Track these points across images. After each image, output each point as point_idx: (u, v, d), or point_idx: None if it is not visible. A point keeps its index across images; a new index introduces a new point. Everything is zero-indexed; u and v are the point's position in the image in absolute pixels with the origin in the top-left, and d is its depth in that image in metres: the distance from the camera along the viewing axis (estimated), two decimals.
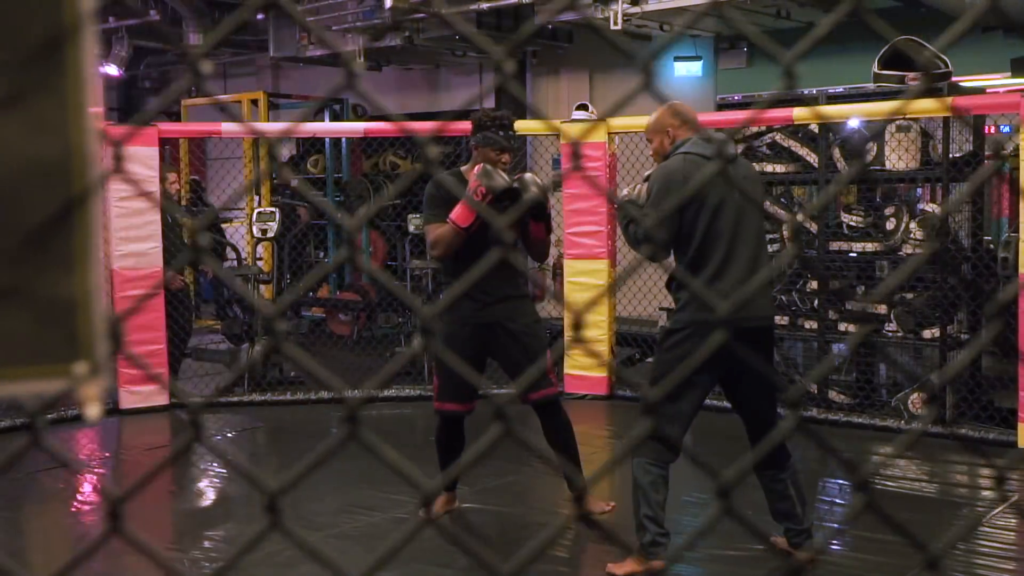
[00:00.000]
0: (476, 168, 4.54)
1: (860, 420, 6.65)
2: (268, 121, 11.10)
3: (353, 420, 1.00)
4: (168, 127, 7.40)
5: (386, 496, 5.31)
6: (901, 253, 6.66)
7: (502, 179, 4.45)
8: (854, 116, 6.67)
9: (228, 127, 7.34)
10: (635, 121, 7.71)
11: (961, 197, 6.43)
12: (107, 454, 6.75)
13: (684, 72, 11.18)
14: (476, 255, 4.36)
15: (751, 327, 3.87)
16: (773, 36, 10.28)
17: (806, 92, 7.51)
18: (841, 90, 7.31)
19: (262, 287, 8.89)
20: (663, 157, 4.11)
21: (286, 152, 12.89)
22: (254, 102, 11.25)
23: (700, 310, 3.85)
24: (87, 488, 5.76)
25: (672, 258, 4.14)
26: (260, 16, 11.73)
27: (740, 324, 3.78)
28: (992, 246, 7.14)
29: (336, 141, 10.94)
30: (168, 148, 10.78)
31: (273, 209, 8.37)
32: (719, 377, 4.03)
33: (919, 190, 7.55)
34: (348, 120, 11.27)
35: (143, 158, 7.11)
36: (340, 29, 10.13)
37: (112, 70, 10.42)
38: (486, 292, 4.61)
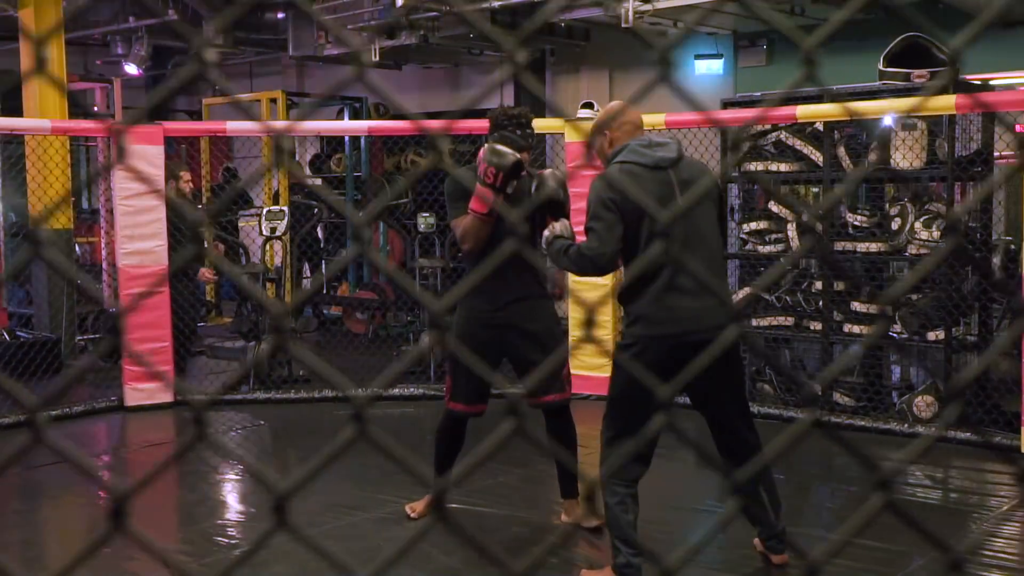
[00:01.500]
0: (483, 149, 4.43)
1: (863, 423, 6.53)
2: (286, 120, 11.14)
3: (360, 418, 0.99)
4: (173, 126, 7.44)
5: (370, 496, 5.30)
6: (906, 253, 6.55)
7: (511, 154, 4.34)
8: (858, 114, 6.55)
9: (233, 125, 7.37)
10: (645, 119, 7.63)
11: (978, 196, 6.28)
12: (111, 450, 6.80)
13: (704, 70, 11.11)
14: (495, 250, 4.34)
15: (707, 339, 3.59)
16: (775, 33, 10.15)
17: (836, 89, 7.33)
18: (879, 85, 7.10)
19: (273, 285, 8.90)
20: (606, 162, 4.00)
21: (310, 151, 12.96)
22: (273, 101, 11.30)
23: (649, 325, 3.71)
24: (91, 484, 5.79)
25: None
26: (280, 15, 11.79)
27: (691, 338, 3.62)
28: (1013, 247, 6.99)
29: (356, 139, 10.98)
30: (184, 147, 10.88)
31: (282, 208, 8.40)
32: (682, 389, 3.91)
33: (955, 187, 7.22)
34: (368, 119, 11.30)
35: (148, 156, 7.14)
36: (355, 28, 10.15)
37: (132, 69, 10.50)
38: (502, 293, 4.50)
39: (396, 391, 7.46)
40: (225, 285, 12.02)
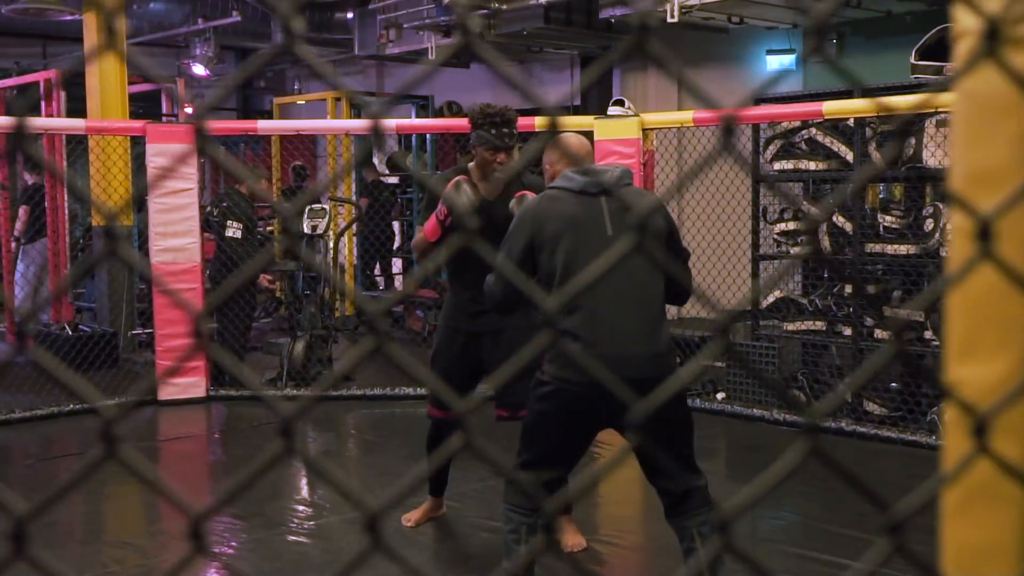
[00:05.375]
0: (449, 184, 4.29)
1: (889, 434, 6.22)
2: (350, 119, 11.24)
3: (108, 438, 0.93)
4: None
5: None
6: (942, 255, 6.21)
7: (467, 201, 4.19)
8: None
9: (265, 124, 7.46)
10: (672, 116, 7.46)
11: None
12: (143, 444, 6.92)
13: (777, 65, 10.81)
14: (471, 261, 4.26)
15: (628, 379, 3.05)
16: (845, 26, 9.78)
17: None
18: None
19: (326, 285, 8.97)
20: None
21: (391, 146, 13.06)
22: (338, 100, 11.41)
23: (563, 367, 3.37)
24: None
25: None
26: (349, 16, 11.92)
27: (605, 388, 3.28)
28: None
29: (422, 137, 11.01)
30: (242, 145, 11.06)
31: (323, 206, 8.46)
32: (604, 429, 3.51)
33: None
34: (435, 117, 11.34)
35: (180, 155, 7.26)
36: (412, 26, 10.19)
37: (199, 70, 10.73)
38: (476, 303, 4.38)
39: (409, 391, 7.46)
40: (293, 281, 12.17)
